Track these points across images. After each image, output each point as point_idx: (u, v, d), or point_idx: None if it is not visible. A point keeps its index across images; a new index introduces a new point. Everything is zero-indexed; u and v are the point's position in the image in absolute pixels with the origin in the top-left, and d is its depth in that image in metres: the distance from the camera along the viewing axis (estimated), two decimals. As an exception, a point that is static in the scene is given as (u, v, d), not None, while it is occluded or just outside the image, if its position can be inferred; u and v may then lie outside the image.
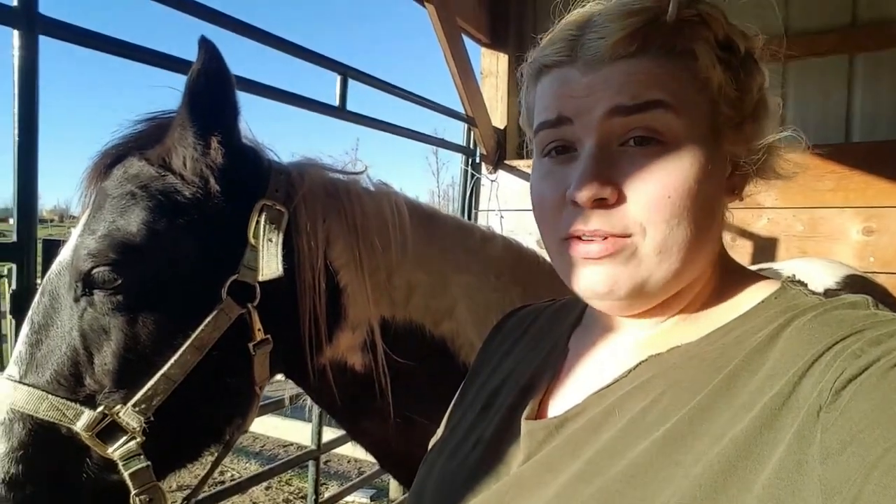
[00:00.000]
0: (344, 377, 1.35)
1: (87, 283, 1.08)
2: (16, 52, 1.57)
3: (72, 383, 1.07)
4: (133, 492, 1.08)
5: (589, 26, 0.69)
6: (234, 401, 1.22)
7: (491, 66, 4.25)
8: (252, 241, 1.18)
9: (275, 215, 1.21)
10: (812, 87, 3.55)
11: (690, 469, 0.56)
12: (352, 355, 1.35)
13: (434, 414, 1.42)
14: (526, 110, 0.83)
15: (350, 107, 2.95)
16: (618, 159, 0.66)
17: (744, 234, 3.44)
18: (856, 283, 2.17)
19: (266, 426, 5.65)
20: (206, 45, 1.08)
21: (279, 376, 1.38)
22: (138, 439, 1.07)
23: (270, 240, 1.18)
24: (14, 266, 1.75)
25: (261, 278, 1.15)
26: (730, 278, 0.75)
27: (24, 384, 1.06)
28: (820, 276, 2.17)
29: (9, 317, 1.73)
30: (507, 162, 4.10)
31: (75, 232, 1.16)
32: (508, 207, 4.07)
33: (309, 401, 1.55)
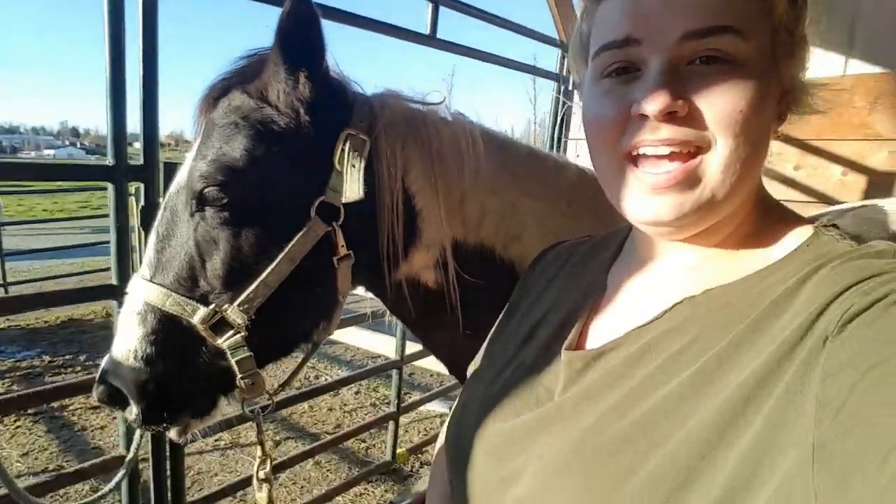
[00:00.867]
0: (417, 292, 1.48)
1: (199, 201, 1.25)
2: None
3: (189, 284, 1.27)
4: (239, 375, 1.29)
5: None
6: (321, 306, 1.38)
7: (588, -15, 4.03)
8: (337, 166, 1.30)
9: (358, 143, 1.32)
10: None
11: (715, 399, 0.61)
12: (425, 272, 1.47)
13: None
14: (580, 35, 0.83)
15: (440, 35, 2.97)
16: (686, 76, 0.68)
17: (857, 167, 3.18)
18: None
19: (357, 338, 6.11)
20: None
21: (361, 290, 1.53)
22: (243, 333, 1.26)
23: (353, 165, 1.29)
24: (142, 185, 2.01)
25: (344, 200, 1.28)
26: (766, 215, 0.76)
27: (154, 283, 1.27)
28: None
29: (138, 229, 2.00)
30: (599, 89, 3.96)
31: (189, 156, 1.33)
32: (599, 136, 3.97)
33: (393, 317, 1.70)
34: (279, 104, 1.28)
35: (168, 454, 2.26)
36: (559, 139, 4.13)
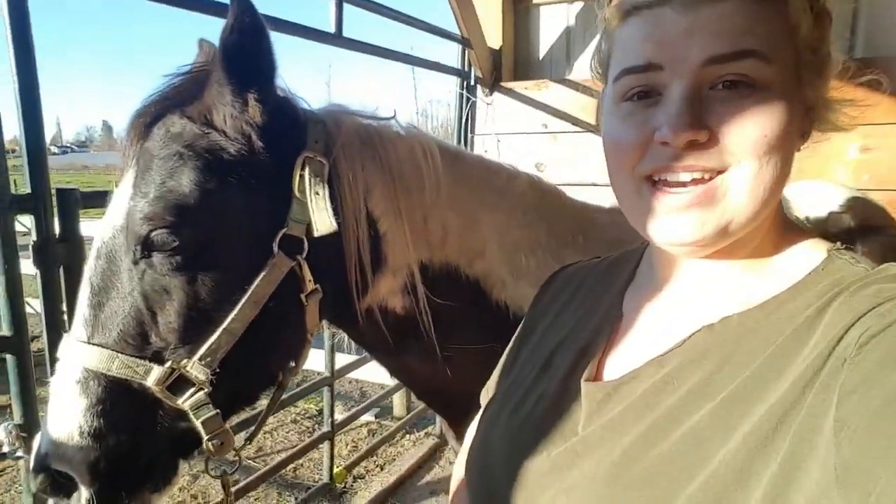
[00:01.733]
0: (386, 320, 1.40)
1: (145, 246, 1.09)
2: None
3: (139, 341, 1.11)
4: (205, 437, 1.14)
5: None
6: (290, 347, 1.27)
7: (484, -19, 4.06)
8: (297, 194, 1.19)
9: (317, 167, 1.21)
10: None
11: (743, 428, 0.61)
12: (392, 299, 1.40)
13: (470, 348, 1.50)
14: (598, 53, 0.82)
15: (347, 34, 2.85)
16: (709, 101, 0.67)
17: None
18: (858, 205, 2.23)
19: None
20: None
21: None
22: (206, 390, 1.12)
23: (317, 193, 1.18)
24: (31, 217, 1.74)
25: (316, 234, 1.17)
26: (783, 234, 0.77)
27: (94, 345, 1.09)
28: (824, 199, 2.23)
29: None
30: (503, 84, 4.02)
31: (122, 193, 1.15)
32: (505, 131, 4.03)
33: (322, 328, 1.58)
34: (226, 129, 1.14)
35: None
36: (465, 135, 4.14)
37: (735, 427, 0.62)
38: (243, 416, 1.28)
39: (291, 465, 3.86)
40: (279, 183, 1.19)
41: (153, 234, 1.08)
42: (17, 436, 1.53)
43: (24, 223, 1.86)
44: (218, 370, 1.13)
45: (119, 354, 1.08)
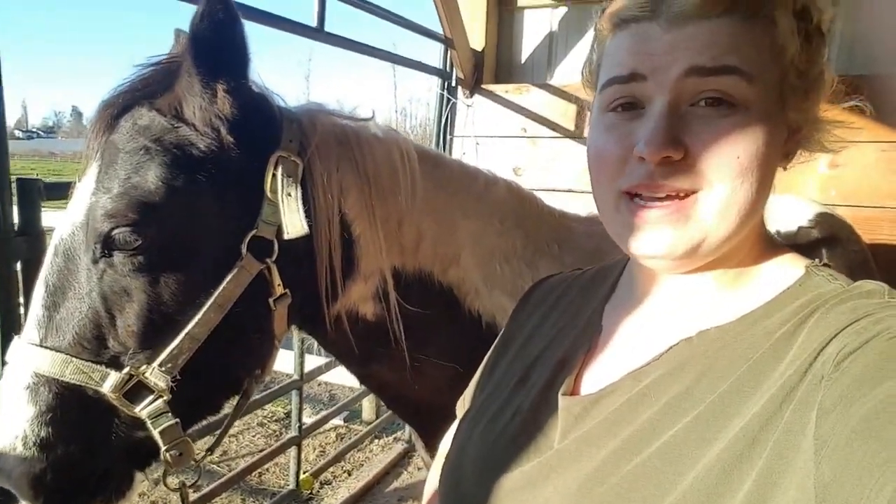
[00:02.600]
0: (357, 326, 1.36)
1: (106, 245, 1.04)
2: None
3: (95, 345, 1.05)
4: (163, 447, 1.09)
5: None
6: (256, 354, 1.22)
7: (469, -18, 4.03)
8: (269, 195, 1.14)
9: (290, 167, 1.16)
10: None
11: (719, 443, 0.61)
12: (363, 305, 1.36)
13: (442, 357, 1.47)
14: (589, 64, 0.82)
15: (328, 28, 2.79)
16: (688, 118, 0.67)
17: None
18: (825, 221, 2.27)
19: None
20: None
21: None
22: (165, 397, 1.07)
23: (289, 194, 1.14)
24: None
25: (287, 237, 1.13)
26: (764, 251, 0.77)
27: (46, 348, 1.03)
28: (794, 214, 2.26)
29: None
30: (484, 86, 3.99)
31: (84, 188, 1.09)
32: (484, 133, 4.01)
33: (291, 331, 1.54)
34: (196, 122, 1.09)
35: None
36: (444, 137, 4.10)
37: (711, 442, 0.61)
38: (205, 421, 1.23)
39: (257, 471, 3.78)
40: (250, 182, 1.14)
41: (115, 232, 1.03)
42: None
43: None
44: (179, 377, 1.08)
45: (73, 359, 1.03)
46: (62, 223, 1.10)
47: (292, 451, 3.49)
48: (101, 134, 1.10)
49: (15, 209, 1.73)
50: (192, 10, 1.04)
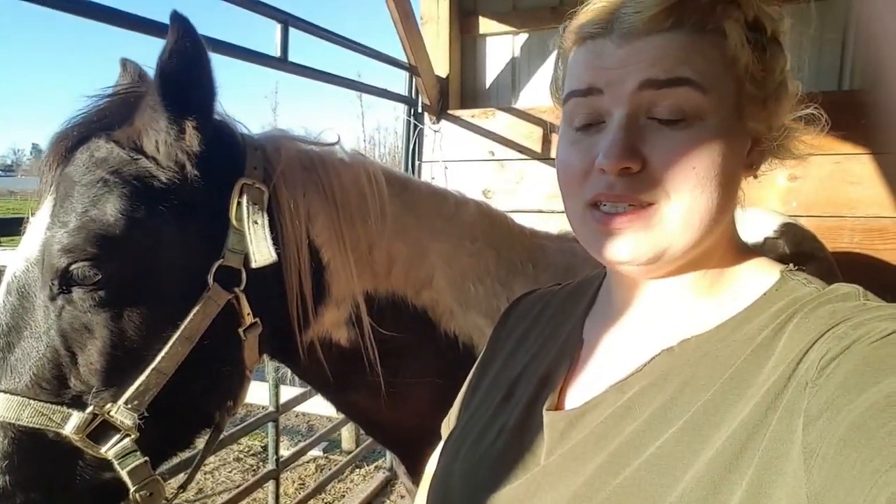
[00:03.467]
0: (331, 353, 1.34)
1: (63, 281, 1.00)
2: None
3: (55, 385, 1.01)
4: (132, 488, 1.05)
5: (626, 1, 0.69)
6: (227, 386, 1.19)
7: (431, 11, 4.10)
8: (235, 223, 1.13)
9: (256, 195, 1.15)
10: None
11: (706, 453, 0.60)
12: (337, 331, 1.34)
13: (418, 381, 1.45)
14: (555, 80, 0.84)
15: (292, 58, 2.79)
16: (645, 130, 0.69)
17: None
18: (790, 231, 2.34)
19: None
20: (178, 21, 0.98)
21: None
22: (133, 436, 1.03)
23: (256, 222, 1.12)
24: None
25: (254, 265, 1.11)
26: (737, 257, 0.78)
27: (1, 391, 0.99)
28: (760, 225, 2.32)
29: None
30: (450, 112, 4.04)
31: (37, 223, 1.06)
32: (452, 158, 4.04)
33: (264, 362, 1.51)
34: (158, 156, 1.07)
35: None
36: (412, 162, 4.13)
37: (698, 452, 0.61)
38: (177, 458, 1.19)
39: (232, 507, 3.65)
40: (215, 211, 1.13)
41: (73, 266, 1.00)
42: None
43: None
44: (146, 413, 1.04)
45: (31, 401, 0.98)
46: (14, 260, 1.06)
47: (270, 486, 3.39)
48: (56, 167, 1.07)
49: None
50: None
